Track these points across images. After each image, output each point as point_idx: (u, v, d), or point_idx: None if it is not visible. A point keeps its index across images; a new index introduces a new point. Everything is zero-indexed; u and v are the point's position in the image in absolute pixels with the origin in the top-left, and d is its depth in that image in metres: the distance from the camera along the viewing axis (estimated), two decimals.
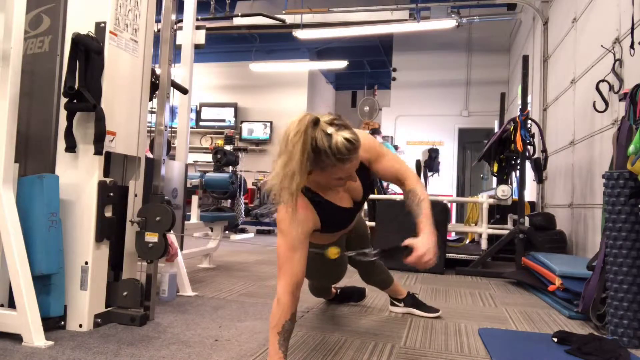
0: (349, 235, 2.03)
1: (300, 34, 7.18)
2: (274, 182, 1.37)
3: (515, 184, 4.42)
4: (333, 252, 1.70)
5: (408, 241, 1.51)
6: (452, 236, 6.02)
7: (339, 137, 1.36)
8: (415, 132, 9.06)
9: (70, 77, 1.83)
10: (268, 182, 1.39)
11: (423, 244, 1.49)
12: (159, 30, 2.21)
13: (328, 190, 1.61)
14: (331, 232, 1.76)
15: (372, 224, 4.15)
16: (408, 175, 1.71)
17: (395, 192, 6.32)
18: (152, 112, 2.24)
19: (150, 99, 2.22)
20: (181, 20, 3.19)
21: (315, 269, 1.79)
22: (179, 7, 2.74)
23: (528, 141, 3.84)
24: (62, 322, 1.85)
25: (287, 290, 1.43)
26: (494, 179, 4.87)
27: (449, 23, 6.89)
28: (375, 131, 7.15)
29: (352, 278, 2.38)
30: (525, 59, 4.10)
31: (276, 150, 1.37)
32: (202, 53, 8.15)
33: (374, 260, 1.91)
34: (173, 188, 2.90)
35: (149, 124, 2.24)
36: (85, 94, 1.83)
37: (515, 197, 4.12)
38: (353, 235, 2.07)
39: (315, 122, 1.36)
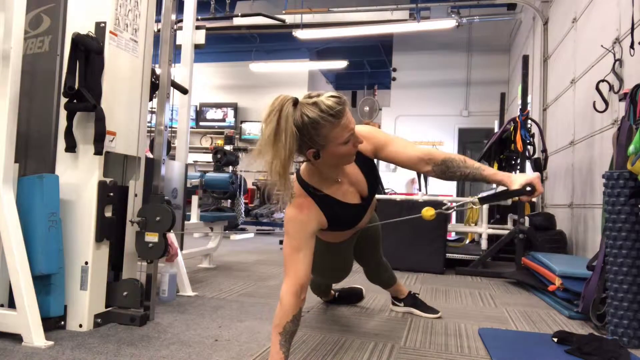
0: (359, 238, 2.01)
1: (300, 34, 7.18)
2: (271, 184, 1.36)
3: None
4: (429, 214, 1.61)
5: (504, 184, 1.50)
6: (452, 236, 6.02)
7: (323, 98, 1.35)
8: (415, 132, 9.06)
9: (70, 77, 1.83)
10: (268, 185, 1.38)
11: (528, 177, 1.47)
12: (159, 30, 2.21)
13: (333, 186, 1.58)
14: (339, 230, 1.73)
15: None
16: (431, 152, 1.59)
17: (394, 192, 6.32)
18: (152, 112, 2.24)
19: (150, 99, 2.22)
20: (181, 20, 3.19)
21: (321, 265, 1.76)
22: (179, 7, 2.74)
23: (528, 141, 3.84)
24: (62, 322, 1.85)
25: (290, 291, 1.42)
26: None
27: (449, 23, 6.89)
28: None
29: (351, 278, 2.37)
30: (525, 59, 4.10)
31: (258, 148, 1.36)
32: (202, 53, 8.14)
33: (451, 211, 1.79)
34: (173, 188, 2.90)
35: (149, 124, 2.24)
36: (85, 94, 1.83)
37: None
38: (364, 241, 2.06)
39: (295, 102, 1.34)
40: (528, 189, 1.48)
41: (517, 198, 1.50)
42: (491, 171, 1.56)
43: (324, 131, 1.35)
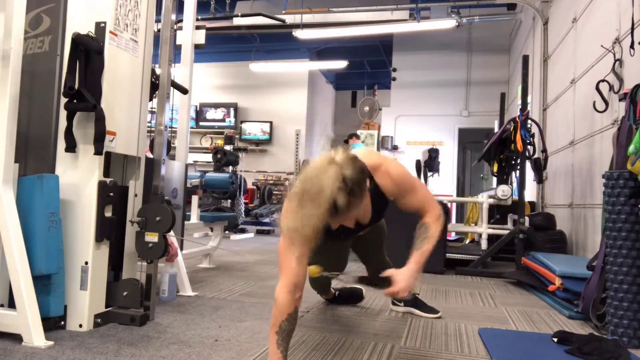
0: (363, 236, 2.02)
1: (300, 34, 7.18)
2: (293, 225, 1.33)
3: (515, 184, 4.42)
4: (314, 271, 1.72)
5: (389, 272, 1.51)
6: (452, 236, 6.02)
7: (336, 188, 1.27)
8: (415, 132, 9.06)
9: (70, 77, 1.83)
10: (286, 220, 1.36)
11: (401, 279, 1.47)
12: (159, 30, 2.21)
13: None
14: (329, 239, 1.75)
15: None
16: (431, 211, 1.66)
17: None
18: (152, 112, 2.24)
19: (150, 99, 2.22)
20: (181, 20, 3.19)
21: (315, 261, 1.77)
22: (179, 7, 2.74)
23: (528, 141, 3.84)
24: (62, 322, 1.85)
25: (284, 290, 1.42)
26: (494, 179, 4.87)
27: (449, 23, 6.89)
28: (354, 135, 7.19)
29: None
30: (525, 59, 4.10)
31: (299, 191, 1.30)
32: (202, 53, 8.15)
33: (354, 281, 1.93)
34: (173, 188, 2.90)
35: (149, 124, 2.24)
36: (85, 94, 1.83)
37: (515, 197, 4.12)
38: (368, 240, 2.07)
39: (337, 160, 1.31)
40: (386, 281, 1.49)
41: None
42: (413, 256, 1.60)
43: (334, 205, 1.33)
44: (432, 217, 1.66)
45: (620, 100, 2.58)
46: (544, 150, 4.02)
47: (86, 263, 1.86)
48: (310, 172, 1.31)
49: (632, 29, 2.61)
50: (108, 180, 1.92)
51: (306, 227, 1.29)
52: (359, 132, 7.97)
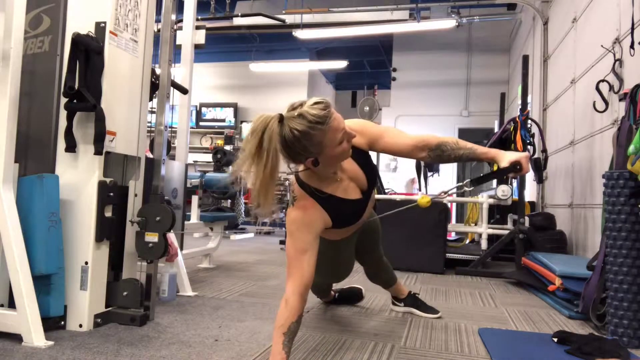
0: (360, 236, 2.01)
1: (300, 34, 7.18)
2: (252, 201, 1.36)
3: (515, 184, 4.42)
4: (424, 201, 1.65)
5: (508, 160, 1.52)
6: (452, 236, 6.02)
7: (306, 108, 1.34)
8: (415, 132, 9.02)
9: (70, 77, 1.83)
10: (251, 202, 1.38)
11: (517, 155, 1.50)
12: (159, 30, 2.21)
13: (333, 184, 1.58)
14: (344, 227, 1.74)
15: None
16: (424, 138, 1.62)
17: (394, 192, 6.32)
18: (152, 112, 2.24)
19: (150, 99, 2.22)
20: (181, 20, 3.19)
21: (323, 264, 1.77)
22: (179, 7, 2.74)
23: (528, 141, 3.84)
24: (62, 322, 1.85)
25: (296, 292, 1.43)
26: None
27: (449, 23, 6.89)
28: None
29: (351, 278, 2.37)
30: (525, 59, 4.10)
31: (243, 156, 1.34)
32: (202, 53, 8.15)
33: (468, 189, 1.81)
34: (173, 188, 2.90)
35: (149, 124, 2.24)
36: (85, 94, 1.83)
37: (515, 197, 4.12)
38: (365, 239, 2.06)
39: (280, 119, 1.34)
40: (517, 167, 1.53)
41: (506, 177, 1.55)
42: (483, 149, 1.61)
43: (316, 139, 1.36)
44: (432, 138, 1.65)
45: (620, 100, 2.58)
46: (544, 150, 4.02)
47: (86, 263, 1.86)
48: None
49: (632, 29, 2.61)
50: (108, 180, 1.92)
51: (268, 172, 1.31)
52: None
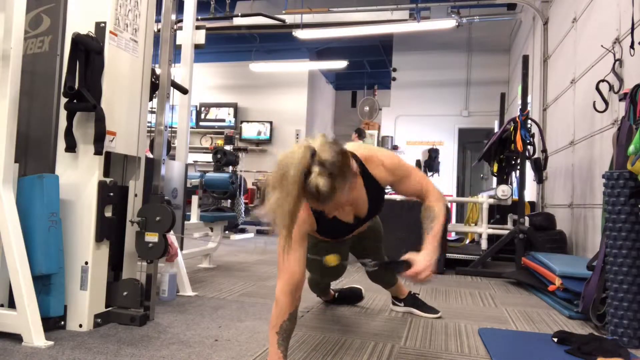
0: (360, 237, 2.01)
1: (300, 34, 7.18)
2: (270, 214, 1.27)
3: (515, 184, 4.42)
4: (332, 260, 1.66)
5: (408, 256, 1.47)
6: (452, 236, 6.02)
7: (314, 180, 1.21)
8: (415, 132, 9.06)
9: (70, 77, 1.83)
10: (264, 211, 1.29)
11: (421, 260, 1.44)
12: (159, 30, 2.21)
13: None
14: (329, 238, 1.75)
15: None
16: (430, 192, 1.65)
17: (394, 192, 6.31)
18: (152, 112, 2.24)
19: (150, 99, 2.22)
20: (181, 20, 3.19)
21: (316, 262, 1.78)
22: (179, 7, 2.74)
23: (528, 141, 3.84)
24: (62, 322, 1.85)
25: (285, 290, 1.43)
26: (494, 179, 4.87)
27: (449, 23, 6.89)
28: (360, 133, 7.19)
29: (351, 278, 2.39)
30: (525, 59, 4.10)
31: (271, 179, 1.25)
32: (202, 53, 8.14)
33: (373, 270, 1.89)
34: (173, 188, 2.90)
35: (149, 124, 2.24)
36: (85, 94, 1.83)
37: (515, 197, 4.12)
38: (365, 240, 2.07)
39: (313, 154, 1.24)
40: (407, 265, 1.46)
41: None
42: (427, 241, 1.56)
43: (325, 205, 1.30)
44: (434, 198, 1.64)
45: (620, 100, 2.58)
46: (544, 150, 4.02)
47: (86, 263, 1.86)
48: (281, 156, 1.25)
49: (632, 29, 2.61)
50: (108, 180, 1.92)
51: (282, 214, 1.21)
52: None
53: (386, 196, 4.33)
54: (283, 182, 1.20)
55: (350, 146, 1.58)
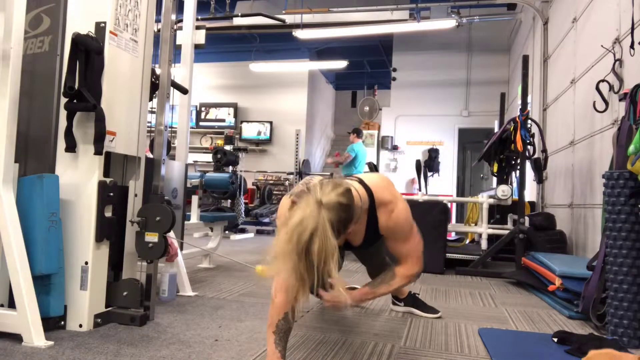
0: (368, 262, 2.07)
1: (300, 34, 7.18)
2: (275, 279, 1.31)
3: (515, 184, 4.42)
4: (261, 271, 1.73)
5: (325, 294, 1.51)
6: (452, 236, 6.02)
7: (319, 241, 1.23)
8: (415, 132, 9.06)
9: (70, 77, 1.83)
10: (269, 273, 1.31)
11: (340, 295, 1.45)
12: (159, 30, 2.21)
13: None
14: None
15: None
16: (407, 265, 1.72)
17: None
18: (152, 112, 2.24)
19: (150, 99, 2.22)
20: (181, 20, 3.19)
21: None
22: (179, 7, 2.74)
23: (528, 141, 3.84)
24: (62, 322, 1.85)
25: (280, 289, 1.43)
26: (494, 179, 4.87)
27: (449, 23, 6.89)
28: (357, 132, 7.18)
29: (351, 278, 2.39)
30: (525, 59, 4.10)
31: (282, 246, 1.25)
32: (202, 53, 8.15)
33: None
34: (173, 188, 2.90)
35: (149, 124, 2.24)
36: (85, 94, 1.83)
37: (515, 197, 4.12)
38: (366, 251, 2.09)
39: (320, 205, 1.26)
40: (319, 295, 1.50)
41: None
42: (368, 287, 1.73)
43: None
44: (406, 272, 1.72)
45: (620, 100, 2.58)
46: (544, 150, 4.02)
47: (86, 263, 1.86)
48: (295, 223, 1.24)
49: (632, 29, 2.61)
50: (108, 180, 1.92)
51: (291, 279, 1.27)
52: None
53: None
54: (297, 254, 1.23)
55: (375, 182, 1.61)
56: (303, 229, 1.22)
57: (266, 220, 7.36)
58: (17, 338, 1.66)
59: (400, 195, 1.71)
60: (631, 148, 1.89)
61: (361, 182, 1.64)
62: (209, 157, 7.42)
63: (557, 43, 4.81)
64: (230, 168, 6.47)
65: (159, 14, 2.23)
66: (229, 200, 6.69)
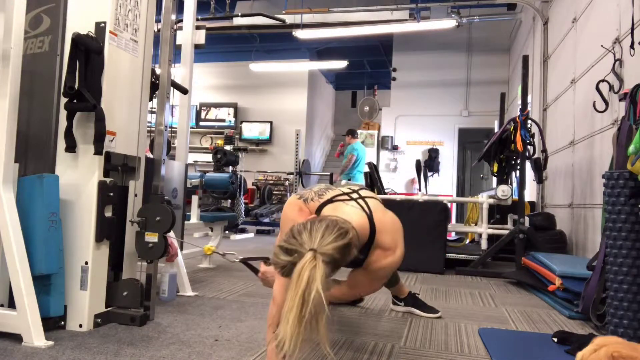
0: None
1: (300, 34, 7.18)
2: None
3: (515, 184, 4.42)
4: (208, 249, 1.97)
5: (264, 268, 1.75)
6: (452, 236, 6.02)
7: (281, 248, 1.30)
8: (415, 132, 9.06)
9: (70, 77, 1.83)
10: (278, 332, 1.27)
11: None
12: (159, 30, 2.21)
13: None
14: None
15: None
16: (355, 289, 1.73)
17: (394, 192, 6.32)
18: (152, 112, 2.24)
19: (150, 99, 2.22)
20: (181, 20, 3.19)
21: None
22: (179, 7, 2.74)
23: (528, 141, 3.84)
24: (62, 322, 1.85)
25: (281, 289, 1.43)
26: (494, 179, 4.87)
27: (449, 23, 6.90)
28: (352, 133, 7.19)
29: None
30: (525, 59, 4.10)
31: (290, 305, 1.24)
32: (202, 53, 8.16)
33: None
34: (173, 188, 2.90)
35: (149, 124, 2.24)
36: (85, 94, 1.83)
37: (515, 197, 4.12)
38: None
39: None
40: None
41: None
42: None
43: None
44: (349, 291, 1.72)
45: (620, 100, 2.58)
46: (544, 150, 4.02)
47: (86, 263, 1.86)
48: (296, 282, 1.23)
49: (632, 29, 2.61)
50: (108, 180, 1.92)
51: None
52: (358, 131, 7.96)
53: (386, 197, 4.34)
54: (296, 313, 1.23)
55: (383, 223, 1.55)
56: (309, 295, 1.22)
57: (266, 220, 7.36)
58: (17, 338, 1.66)
59: (402, 243, 1.62)
60: (631, 148, 1.89)
61: (370, 216, 1.57)
62: (209, 157, 7.42)
63: (557, 43, 4.81)
64: (230, 168, 6.47)
65: (159, 14, 2.23)
66: (229, 200, 6.69)
